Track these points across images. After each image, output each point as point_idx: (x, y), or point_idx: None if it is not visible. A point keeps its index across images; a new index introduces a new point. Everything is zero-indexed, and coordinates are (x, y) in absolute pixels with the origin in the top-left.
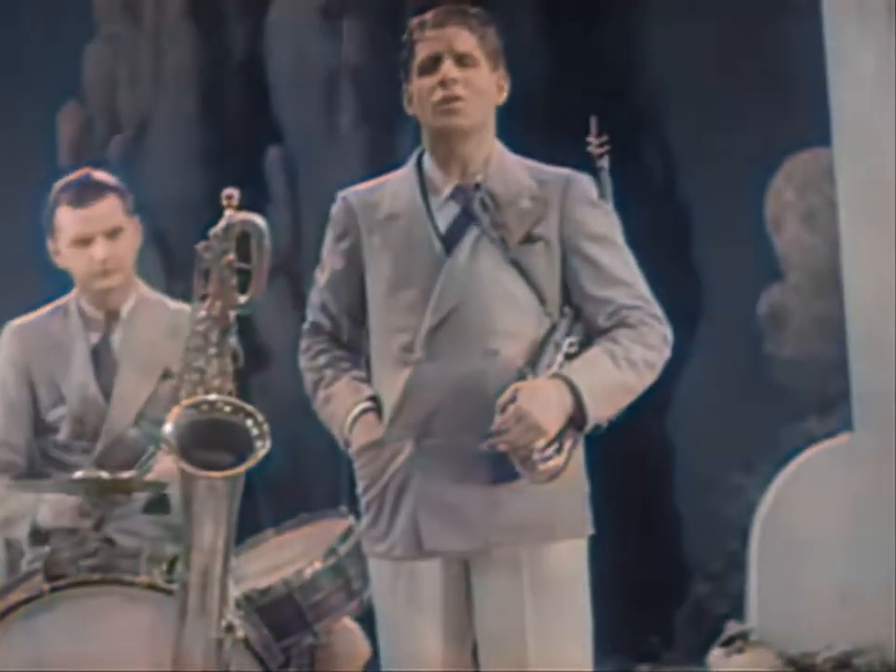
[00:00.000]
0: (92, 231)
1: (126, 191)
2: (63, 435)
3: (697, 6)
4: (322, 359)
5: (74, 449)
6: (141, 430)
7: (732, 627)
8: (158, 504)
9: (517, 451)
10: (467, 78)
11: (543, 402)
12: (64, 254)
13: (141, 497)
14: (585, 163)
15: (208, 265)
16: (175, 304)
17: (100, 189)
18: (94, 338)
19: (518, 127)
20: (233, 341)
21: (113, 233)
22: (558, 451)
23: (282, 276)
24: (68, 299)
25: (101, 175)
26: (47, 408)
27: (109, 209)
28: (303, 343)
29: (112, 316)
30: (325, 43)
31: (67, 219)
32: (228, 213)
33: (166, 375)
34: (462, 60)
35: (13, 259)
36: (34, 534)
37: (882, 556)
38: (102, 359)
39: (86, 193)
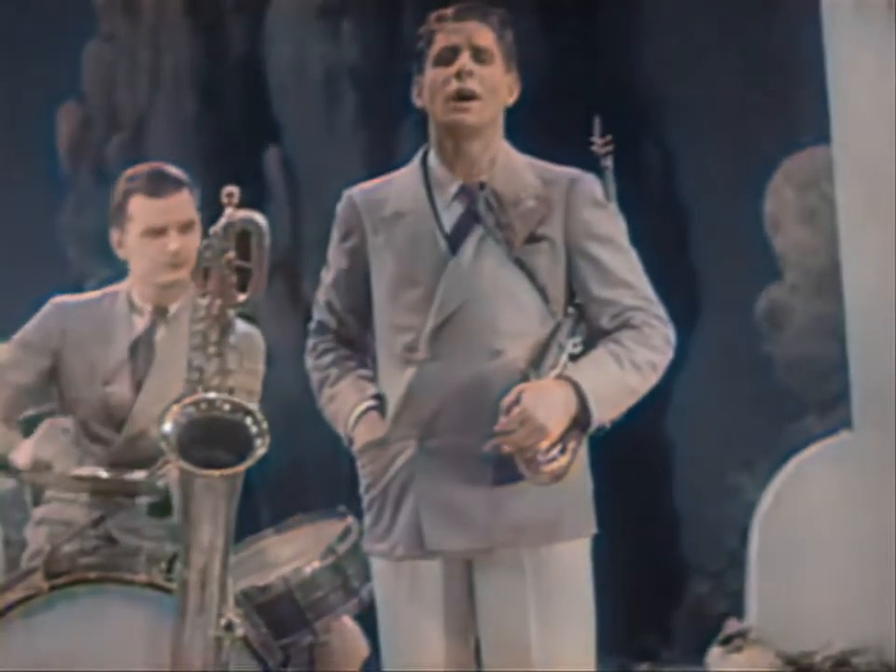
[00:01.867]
0: (167, 223)
1: (194, 186)
2: (90, 419)
3: (697, 5)
4: (327, 358)
5: (96, 436)
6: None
7: (731, 626)
8: (161, 507)
9: (521, 452)
10: (482, 74)
11: (548, 404)
12: (131, 244)
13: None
14: (586, 163)
15: (208, 263)
16: None
17: (176, 182)
18: (139, 327)
19: (518, 126)
20: (233, 339)
21: (186, 227)
22: (562, 452)
23: (281, 275)
24: (119, 288)
25: (173, 169)
26: (79, 386)
27: (184, 202)
28: (309, 342)
29: (159, 312)
30: (324, 42)
31: (142, 209)
32: (228, 211)
33: None
34: (479, 55)
35: (14, 256)
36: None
37: (881, 555)
38: (140, 352)
39: (163, 184)
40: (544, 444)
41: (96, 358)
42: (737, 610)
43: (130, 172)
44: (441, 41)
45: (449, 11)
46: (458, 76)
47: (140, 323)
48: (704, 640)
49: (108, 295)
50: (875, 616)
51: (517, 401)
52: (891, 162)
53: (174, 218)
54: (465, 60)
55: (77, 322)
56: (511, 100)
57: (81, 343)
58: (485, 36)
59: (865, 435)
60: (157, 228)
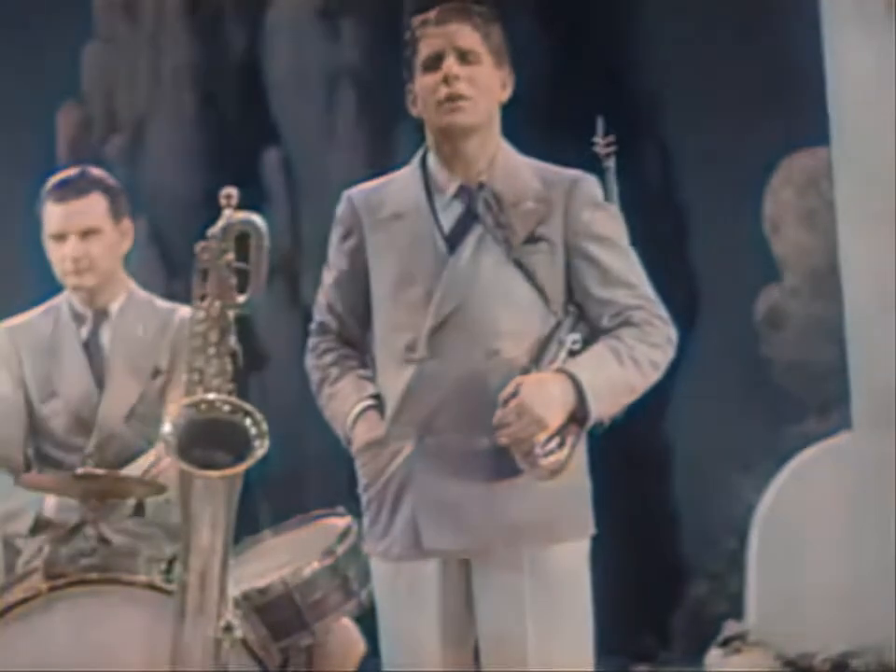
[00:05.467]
0: (66, 229)
1: (119, 191)
2: (58, 431)
3: (697, 5)
4: (328, 358)
5: (69, 446)
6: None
7: (730, 628)
8: (135, 508)
9: (518, 445)
10: (470, 75)
11: (545, 396)
12: (47, 248)
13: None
14: (586, 164)
15: (207, 265)
16: (164, 304)
17: (84, 187)
18: (84, 333)
19: (517, 126)
20: (232, 340)
21: (87, 233)
22: (560, 445)
23: (281, 276)
24: (60, 299)
25: (94, 173)
26: (39, 404)
27: (88, 208)
28: (310, 342)
29: (101, 314)
30: (324, 43)
31: (48, 214)
32: (227, 212)
33: (157, 373)
34: (465, 56)
35: (13, 257)
36: (36, 526)
37: (881, 556)
38: (92, 354)
39: (69, 190)
40: (541, 437)
41: (53, 369)
42: (736, 612)
43: (56, 176)
44: (425, 48)
45: (431, 15)
46: (446, 80)
47: (84, 326)
48: (703, 642)
49: (51, 308)
50: (874, 618)
51: (515, 393)
52: (891, 163)
53: (73, 225)
54: (450, 64)
55: (26, 341)
56: (506, 95)
57: (35, 359)
58: (469, 37)
59: (865, 436)
60: (58, 234)
